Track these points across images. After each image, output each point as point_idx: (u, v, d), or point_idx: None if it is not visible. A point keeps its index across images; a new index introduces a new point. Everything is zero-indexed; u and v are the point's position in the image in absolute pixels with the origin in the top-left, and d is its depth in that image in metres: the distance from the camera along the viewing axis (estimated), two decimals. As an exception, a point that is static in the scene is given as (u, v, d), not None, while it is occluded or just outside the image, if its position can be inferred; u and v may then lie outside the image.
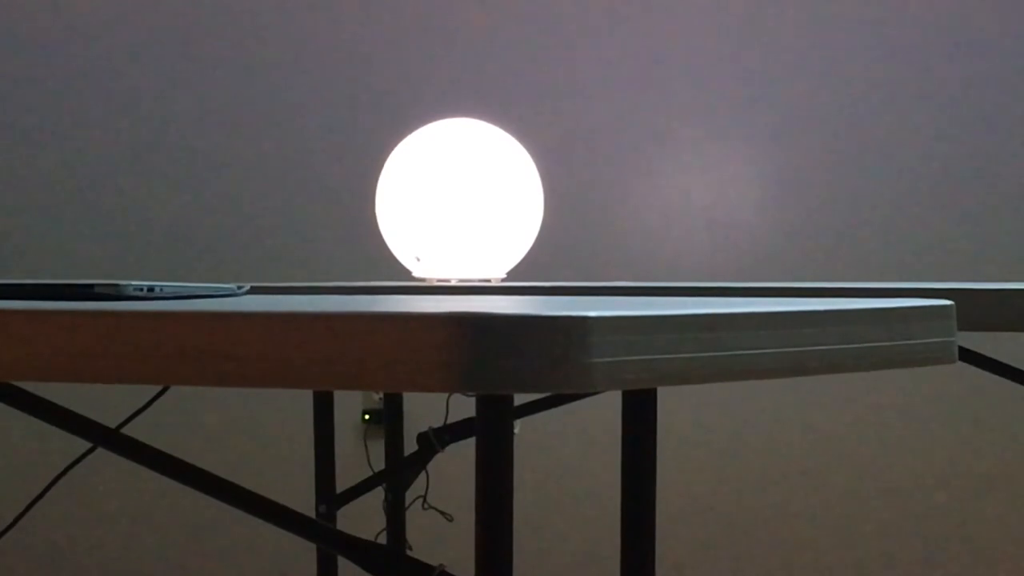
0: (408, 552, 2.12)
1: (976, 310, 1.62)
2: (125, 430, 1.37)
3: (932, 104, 3.38)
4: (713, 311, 0.93)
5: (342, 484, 2.23)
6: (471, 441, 0.97)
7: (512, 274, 2.32)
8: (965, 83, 3.37)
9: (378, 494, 2.22)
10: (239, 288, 1.30)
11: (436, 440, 2.07)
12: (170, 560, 3.52)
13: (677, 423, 3.37)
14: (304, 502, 1.93)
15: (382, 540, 2.19)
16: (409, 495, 2.21)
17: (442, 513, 2.14)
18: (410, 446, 2.16)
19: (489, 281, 2.26)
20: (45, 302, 1.06)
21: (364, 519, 2.10)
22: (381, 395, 2.95)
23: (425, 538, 2.21)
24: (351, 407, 3.39)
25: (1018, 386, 2.09)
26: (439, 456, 2.10)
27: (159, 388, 1.72)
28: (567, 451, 3.43)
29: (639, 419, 1.18)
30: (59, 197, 3.55)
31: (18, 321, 0.94)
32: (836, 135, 3.40)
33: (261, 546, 3.47)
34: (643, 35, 3.45)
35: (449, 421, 2.08)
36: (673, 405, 3.29)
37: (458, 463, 2.10)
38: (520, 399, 1.57)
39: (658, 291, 1.86)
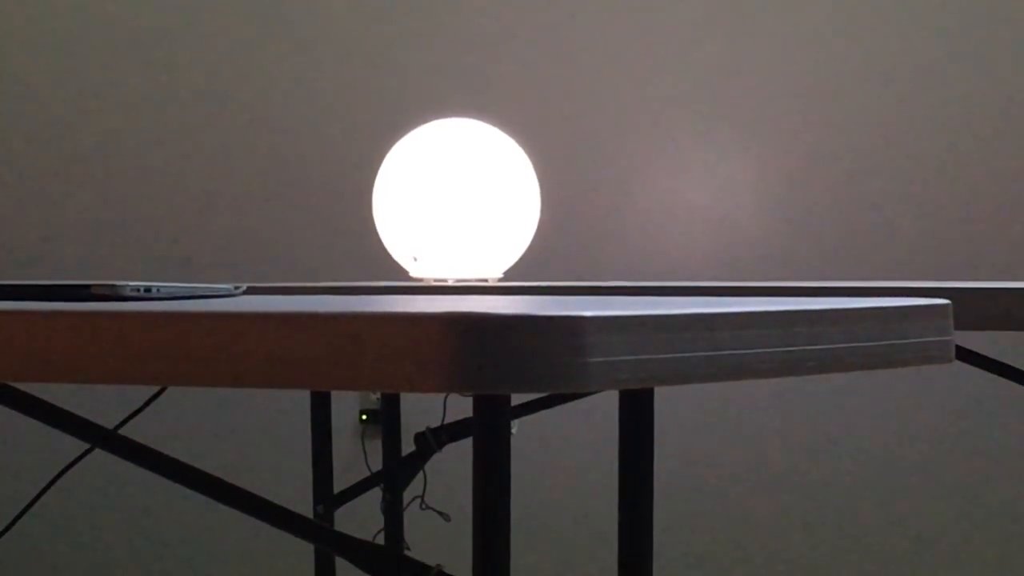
0: (406, 552, 2.12)
1: (973, 309, 1.62)
2: (122, 431, 1.37)
3: (931, 103, 3.38)
4: (710, 311, 0.93)
5: (340, 484, 2.23)
6: (469, 441, 0.97)
7: (509, 274, 2.32)
8: (965, 82, 3.37)
9: (376, 494, 2.22)
10: (236, 288, 1.30)
11: (434, 440, 2.07)
12: (167, 561, 3.52)
13: (674, 423, 3.37)
14: (301, 502, 1.93)
15: (380, 540, 2.19)
16: (407, 495, 2.21)
17: (440, 513, 2.14)
18: (408, 446, 2.16)
19: (486, 281, 2.26)
20: (42, 303, 1.06)
21: (362, 519, 2.10)
22: (378, 395, 2.95)
23: (423, 538, 2.21)
24: (349, 407, 3.39)
25: (1015, 385, 2.09)
26: (437, 456, 2.10)
27: (156, 389, 1.72)
28: (564, 451, 3.43)
29: (636, 419, 1.18)
30: (56, 197, 3.55)
31: (15, 322, 0.94)
32: (834, 135, 3.40)
33: (258, 547, 3.47)
34: (641, 33, 3.45)
35: (446, 421, 2.08)
36: (670, 405, 3.29)
37: (456, 463, 2.10)
38: (517, 399, 1.57)
39: (655, 291, 1.86)
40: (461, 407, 1.62)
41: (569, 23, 3.46)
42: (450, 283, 2.24)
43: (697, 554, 3.41)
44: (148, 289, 1.17)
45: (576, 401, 2.34)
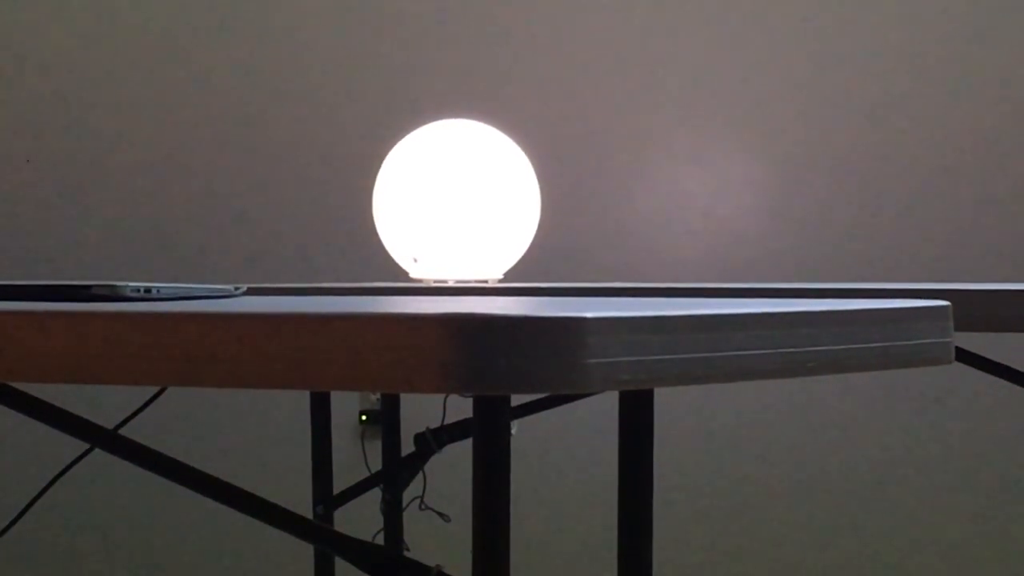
0: (405, 553, 2.12)
1: (973, 311, 1.62)
2: (122, 431, 1.37)
3: (932, 104, 3.38)
4: (710, 312, 0.93)
5: (339, 485, 2.23)
6: (468, 442, 0.97)
7: (509, 275, 2.32)
8: (965, 82, 3.37)
9: (375, 495, 2.22)
10: (236, 289, 1.30)
11: (433, 441, 2.07)
12: (167, 561, 3.52)
13: (674, 424, 3.37)
14: (301, 503, 1.93)
15: (379, 541, 2.19)
16: (406, 496, 2.21)
17: (439, 514, 2.14)
18: (407, 447, 2.16)
19: (486, 282, 2.26)
20: (42, 303, 1.06)
21: (361, 520, 2.10)
22: (378, 396, 2.95)
23: (422, 539, 2.21)
24: (348, 408, 3.38)
25: (1015, 387, 2.09)
26: (436, 457, 2.10)
27: (156, 389, 1.72)
28: (564, 452, 3.43)
29: (636, 420, 1.18)
30: (57, 197, 3.55)
31: (15, 322, 0.94)
32: (834, 136, 3.40)
33: (258, 547, 3.47)
34: (640, 35, 3.45)
35: (446, 422, 2.08)
36: (670, 405, 3.29)
37: (455, 464, 2.10)
38: (517, 399, 1.57)
39: (655, 292, 1.87)
40: (461, 408, 1.62)
41: (569, 24, 3.46)
42: (450, 284, 2.24)
43: (697, 555, 3.41)
44: (148, 290, 1.17)
45: (576, 402, 2.34)
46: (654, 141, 3.44)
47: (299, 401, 2.34)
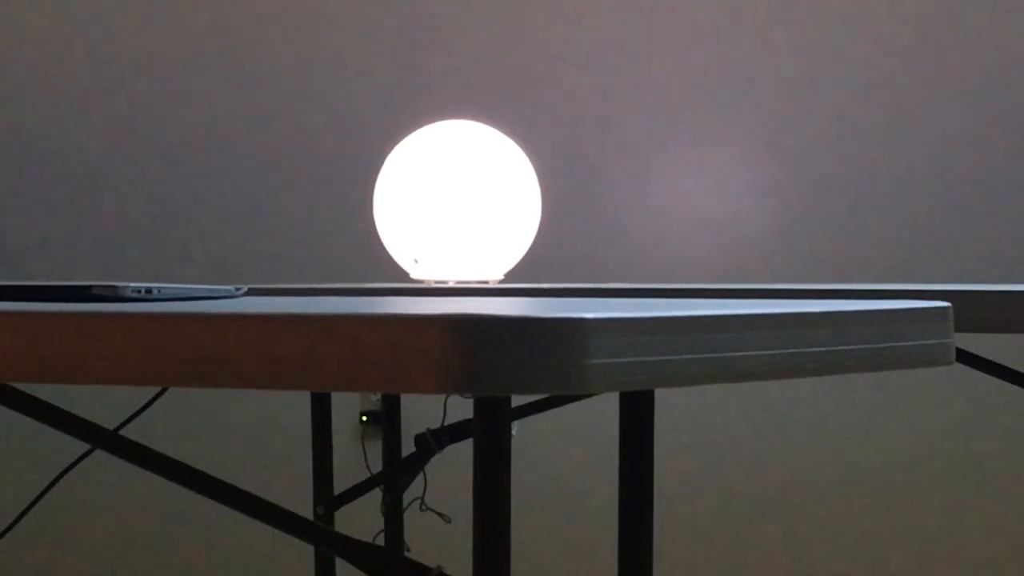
0: (406, 554, 2.12)
1: (973, 312, 1.62)
2: (123, 432, 1.37)
3: (930, 104, 3.38)
4: (711, 313, 0.93)
5: (340, 486, 2.23)
6: (469, 443, 0.97)
7: (510, 276, 2.32)
8: (965, 83, 3.37)
9: (376, 496, 2.22)
10: (237, 290, 1.30)
11: (434, 442, 2.07)
12: (167, 562, 3.52)
13: (674, 424, 3.37)
14: (302, 504, 1.93)
15: (380, 542, 2.19)
16: (407, 497, 2.21)
17: (440, 515, 2.14)
18: (408, 447, 2.16)
19: (487, 283, 2.26)
20: (43, 303, 1.06)
21: (362, 521, 2.10)
22: (379, 397, 2.95)
23: (423, 540, 2.21)
24: (349, 409, 3.38)
25: (1015, 388, 2.09)
26: (437, 458, 2.10)
27: (157, 390, 1.72)
28: (565, 453, 3.43)
29: (637, 421, 1.18)
30: (57, 198, 3.55)
31: (16, 322, 0.94)
32: (833, 137, 3.40)
33: (258, 548, 3.47)
34: (641, 37, 3.45)
35: (447, 423, 2.08)
36: (670, 406, 3.29)
37: (456, 465, 2.10)
38: (518, 400, 1.57)
39: (656, 292, 1.87)
40: (462, 408, 1.62)
41: (569, 25, 3.46)
42: (451, 285, 2.24)
43: (697, 556, 3.41)
44: (149, 290, 1.17)
45: (577, 403, 2.34)
46: (654, 142, 3.44)
47: (299, 401, 2.34)
